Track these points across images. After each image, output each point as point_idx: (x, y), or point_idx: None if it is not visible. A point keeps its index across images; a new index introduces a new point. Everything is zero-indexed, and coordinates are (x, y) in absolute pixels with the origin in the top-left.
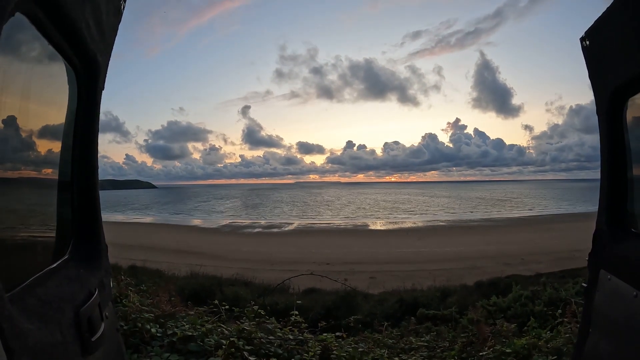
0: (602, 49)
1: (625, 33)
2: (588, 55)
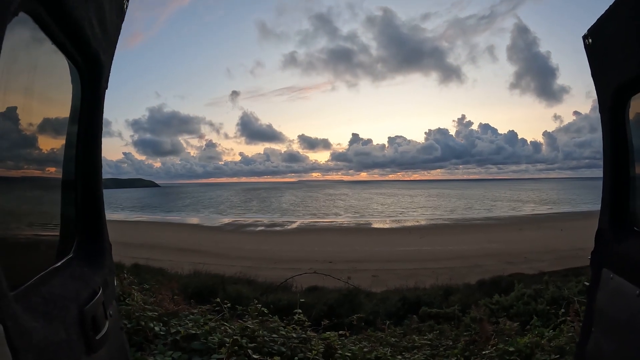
0: (604, 47)
1: (628, 31)
2: (590, 53)
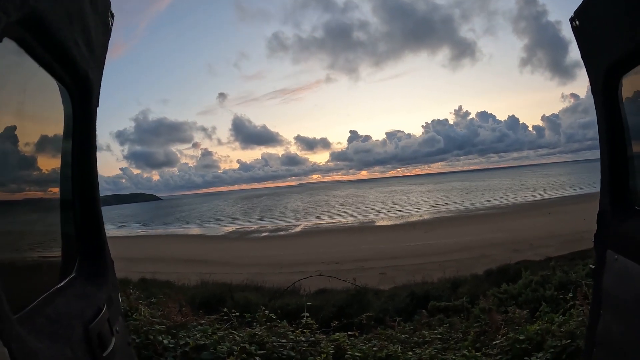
0: (592, 28)
1: (614, 11)
2: (579, 35)
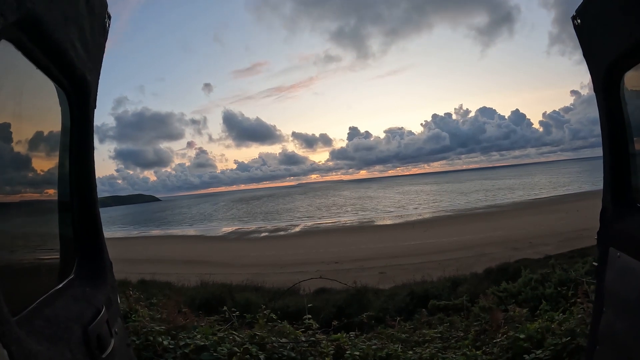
0: (593, 25)
1: (615, 8)
2: (580, 33)
